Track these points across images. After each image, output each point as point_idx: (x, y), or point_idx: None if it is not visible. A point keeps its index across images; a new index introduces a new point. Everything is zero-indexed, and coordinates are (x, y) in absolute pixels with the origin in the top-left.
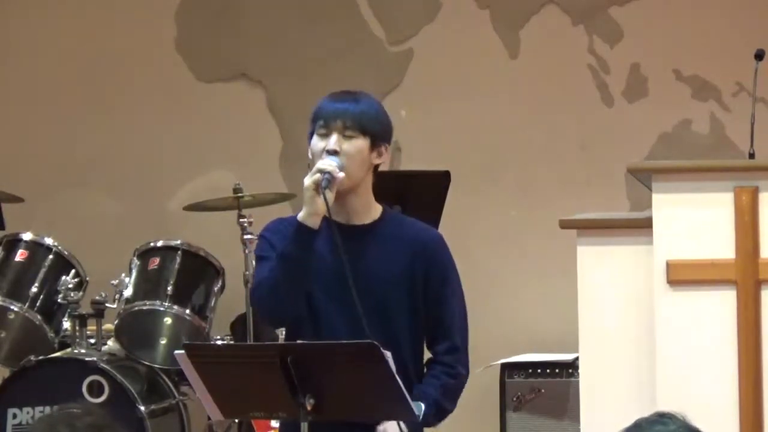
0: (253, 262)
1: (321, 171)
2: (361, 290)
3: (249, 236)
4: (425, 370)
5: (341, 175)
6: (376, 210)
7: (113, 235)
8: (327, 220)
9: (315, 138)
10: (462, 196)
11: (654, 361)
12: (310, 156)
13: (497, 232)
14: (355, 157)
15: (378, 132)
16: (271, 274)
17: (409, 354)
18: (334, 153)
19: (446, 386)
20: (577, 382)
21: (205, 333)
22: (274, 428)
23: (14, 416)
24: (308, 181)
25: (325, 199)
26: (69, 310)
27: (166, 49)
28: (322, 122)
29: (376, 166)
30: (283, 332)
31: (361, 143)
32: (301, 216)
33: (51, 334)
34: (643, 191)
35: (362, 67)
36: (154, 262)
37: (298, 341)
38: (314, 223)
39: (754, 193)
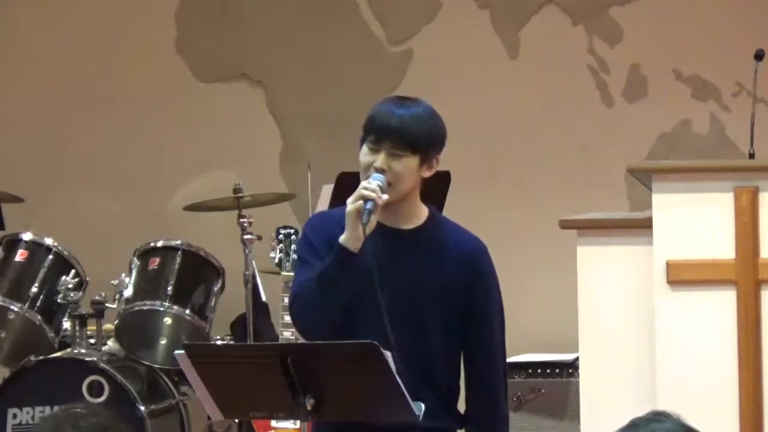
0: (253, 263)
1: (364, 198)
2: (400, 295)
3: (249, 236)
4: (466, 397)
5: (384, 197)
6: (422, 213)
7: (113, 235)
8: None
9: (364, 149)
10: (462, 196)
11: (654, 361)
12: (360, 160)
13: (497, 232)
14: (404, 176)
15: (430, 147)
16: (309, 292)
17: (439, 361)
18: (381, 171)
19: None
20: (577, 382)
21: (205, 333)
22: (274, 428)
23: (14, 416)
24: (351, 207)
25: (364, 229)
26: (69, 310)
27: (166, 49)
28: (373, 137)
29: None
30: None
31: (410, 162)
32: (343, 239)
33: (51, 334)
34: (643, 191)
35: (362, 67)
36: (154, 262)
37: (299, 341)
38: (356, 247)
39: (754, 193)
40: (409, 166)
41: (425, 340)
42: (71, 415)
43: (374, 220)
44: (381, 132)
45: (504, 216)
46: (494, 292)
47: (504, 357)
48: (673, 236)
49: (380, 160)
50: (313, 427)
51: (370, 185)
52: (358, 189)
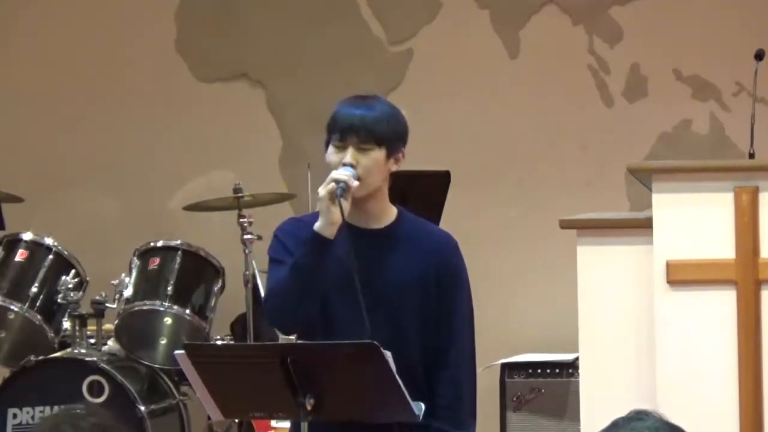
0: (253, 263)
1: (335, 180)
2: (376, 294)
3: (249, 236)
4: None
5: (356, 184)
6: (391, 212)
7: (113, 235)
8: (345, 226)
9: (331, 149)
10: (462, 196)
11: (654, 361)
12: (326, 161)
13: (497, 232)
14: (372, 169)
15: (394, 139)
16: (284, 284)
17: (418, 360)
18: (351, 166)
19: None
20: (577, 382)
21: (205, 333)
22: (274, 428)
23: (14, 416)
24: (323, 191)
25: (341, 207)
26: (69, 310)
27: (166, 49)
28: (337, 135)
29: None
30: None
31: (377, 155)
32: (317, 226)
33: (51, 334)
34: (643, 191)
35: (362, 67)
36: (154, 262)
37: (299, 341)
38: (330, 233)
39: (754, 193)
40: (376, 159)
41: (403, 338)
42: (71, 416)
43: (347, 205)
44: (345, 128)
45: (504, 216)
46: (465, 290)
47: (472, 349)
48: (673, 236)
49: (349, 155)
50: (291, 426)
51: (341, 171)
52: (328, 177)
